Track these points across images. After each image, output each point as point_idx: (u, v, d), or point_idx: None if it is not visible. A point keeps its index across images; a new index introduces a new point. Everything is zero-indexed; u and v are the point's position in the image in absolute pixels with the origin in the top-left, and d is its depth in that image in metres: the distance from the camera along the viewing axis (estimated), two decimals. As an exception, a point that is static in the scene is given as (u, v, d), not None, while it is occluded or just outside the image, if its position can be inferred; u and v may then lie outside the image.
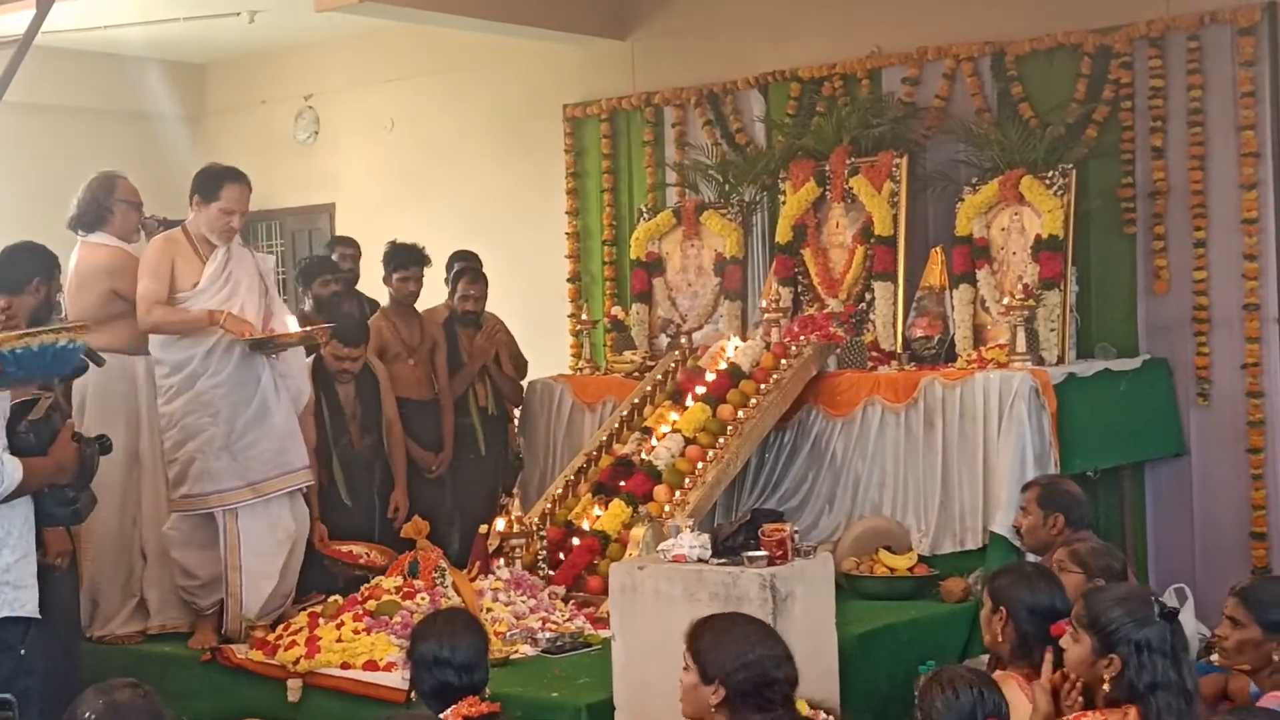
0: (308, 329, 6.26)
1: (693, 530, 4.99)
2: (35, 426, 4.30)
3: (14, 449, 4.16)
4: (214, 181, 5.92)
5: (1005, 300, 6.74)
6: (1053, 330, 6.80)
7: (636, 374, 7.63)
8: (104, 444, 4.73)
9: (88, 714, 3.06)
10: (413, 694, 4.03)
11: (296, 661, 5.47)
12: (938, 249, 7.30)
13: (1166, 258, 7.21)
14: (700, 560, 4.75)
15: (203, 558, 5.96)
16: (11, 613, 4.11)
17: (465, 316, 7.64)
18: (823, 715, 3.70)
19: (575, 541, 6.46)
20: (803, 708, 3.68)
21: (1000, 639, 4.26)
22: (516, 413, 7.96)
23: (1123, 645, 3.56)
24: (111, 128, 10.43)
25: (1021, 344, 6.60)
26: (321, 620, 5.70)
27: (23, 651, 4.15)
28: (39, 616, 4.22)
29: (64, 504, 4.61)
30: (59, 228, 6.11)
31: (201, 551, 5.96)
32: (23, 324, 5.13)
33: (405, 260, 7.50)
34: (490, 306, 7.85)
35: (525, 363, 8.00)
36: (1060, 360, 6.77)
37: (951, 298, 7.15)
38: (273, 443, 6.02)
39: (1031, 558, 5.44)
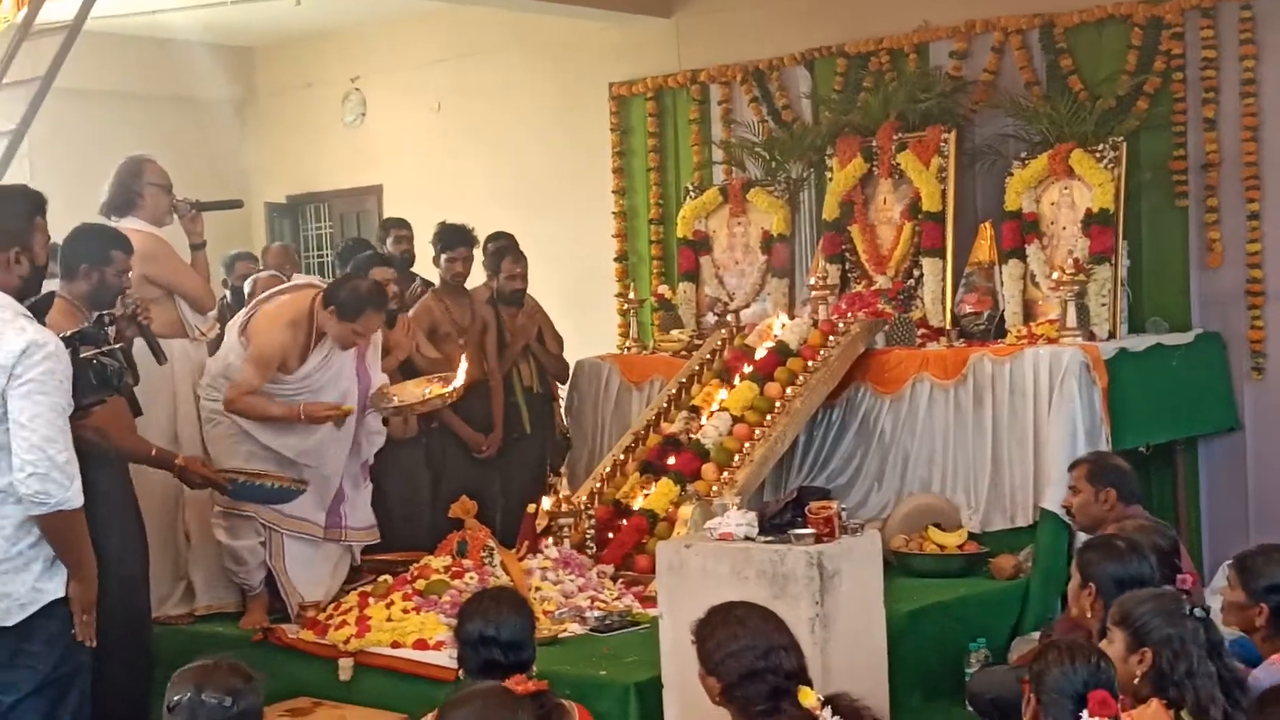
0: (432, 396, 6.26)
1: (740, 508, 4.98)
2: None
3: None
4: (357, 305, 5.92)
5: (1055, 275, 6.67)
6: (1104, 305, 6.74)
7: (684, 353, 7.62)
8: (107, 320, 4.76)
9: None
10: (461, 672, 4.04)
11: (347, 641, 5.50)
12: (987, 224, 7.25)
13: (1219, 230, 7.14)
14: (747, 538, 4.74)
15: (252, 545, 6.00)
16: (64, 594, 4.16)
17: (513, 295, 7.64)
18: (828, 711, 3.64)
19: (623, 520, 6.46)
20: (806, 696, 3.63)
21: (1090, 614, 4.23)
22: (562, 391, 7.97)
23: (1153, 638, 3.56)
24: (161, 112, 10.49)
25: (1072, 319, 6.55)
26: (371, 600, 5.73)
27: (74, 630, 4.19)
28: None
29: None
30: (108, 214, 6.14)
31: (249, 540, 6.00)
32: (83, 309, 5.14)
33: (453, 241, 7.50)
34: (538, 286, 7.86)
35: (560, 340, 8.01)
36: (1111, 335, 6.71)
37: (1001, 273, 7.10)
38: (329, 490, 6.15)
39: (1082, 536, 5.40)
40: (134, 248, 5.49)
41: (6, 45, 7.58)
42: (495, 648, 3.87)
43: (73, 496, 4.06)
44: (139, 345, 5.29)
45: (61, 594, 4.13)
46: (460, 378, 6.30)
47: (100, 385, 4.41)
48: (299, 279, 6.61)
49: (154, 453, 5.26)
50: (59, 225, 5.50)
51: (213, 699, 3.19)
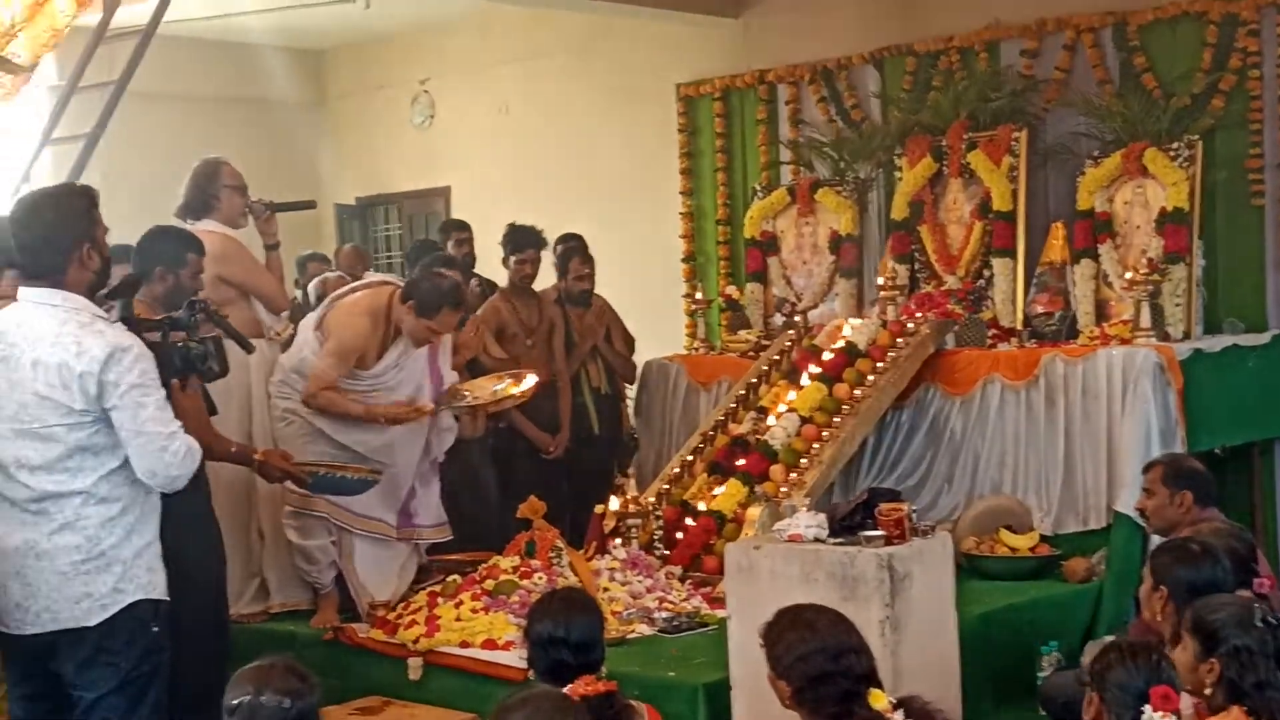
0: (504, 395, 6.30)
1: (809, 510, 4.96)
2: None
3: None
4: (436, 301, 5.95)
5: (1129, 275, 6.60)
6: (1178, 305, 6.66)
7: (751, 353, 7.60)
8: (198, 307, 4.83)
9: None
10: (530, 673, 4.05)
11: (416, 640, 5.52)
12: (1058, 224, 7.18)
13: (1297, 229, 7.04)
14: (817, 540, 4.71)
15: (322, 544, 6.04)
16: (145, 595, 4.21)
17: (581, 296, 7.66)
18: (899, 714, 3.62)
19: (691, 521, 6.45)
20: (877, 699, 3.61)
21: (1160, 617, 4.19)
22: (630, 391, 7.97)
23: (1222, 649, 3.52)
24: (233, 115, 10.60)
25: (1146, 320, 6.47)
26: (441, 599, 5.76)
27: (155, 629, 4.24)
28: (168, 599, 4.32)
29: None
30: (181, 217, 6.20)
31: (320, 540, 6.04)
32: (158, 311, 5.19)
33: (521, 243, 7.54)
34: (605, 287, 7.88)
35: (632, 339, 8.01)
36: (1186, 336, 6.64)
37: (1073, 273, 7.03)
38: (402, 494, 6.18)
39: (1157, 539, 5.34)
40: (208, 249, 5.55)
41: (82, 49, 7.69)
42: (564, 649, 3.87)
43: (196, 463, 4.23)
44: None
45: (142, 595, 4.18)
46: (529, 382, 6.31)
47: (184, 366, 4.50)
48: (372, 276, 6.65)
49: (233, 449, 5.31)
50: (134, 227, 5.59)
51: (271, 701, 3.20)
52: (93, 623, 4.12)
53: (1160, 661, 3.45)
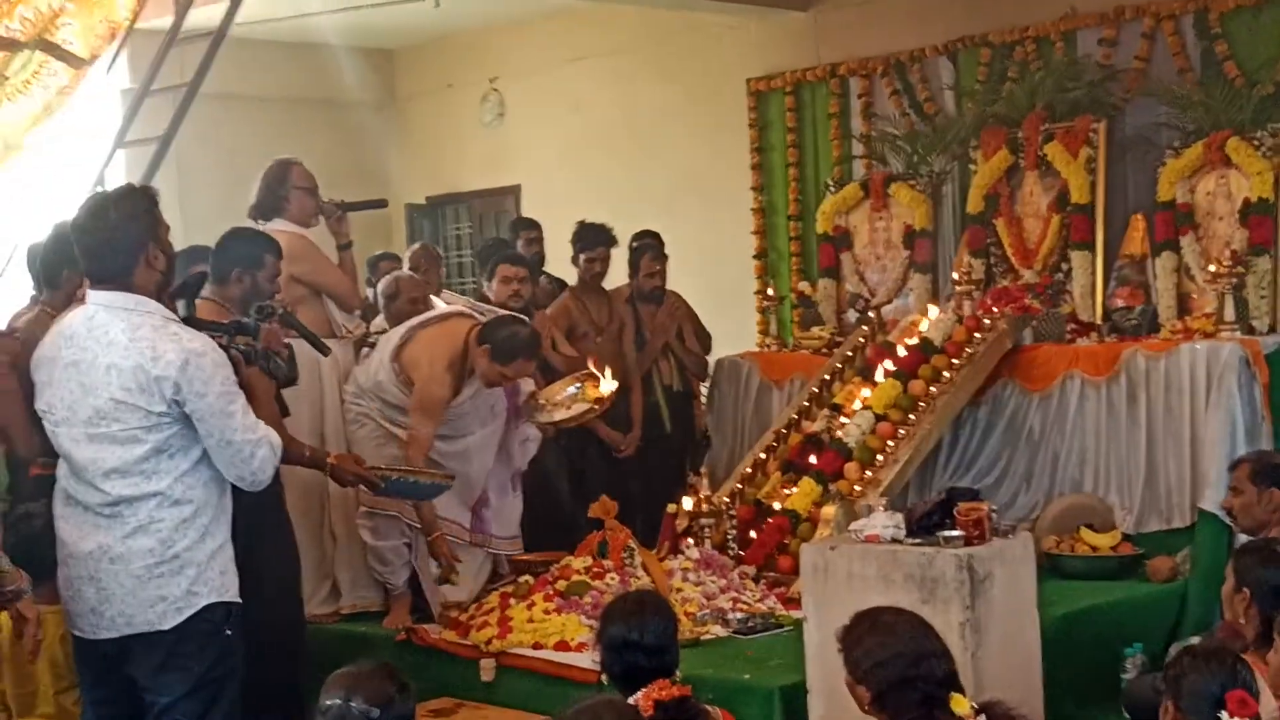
0: (584, 411, 6.26)
1: (885, 509, 4.88)
2: None
3: None
4: (511, 350, 5.88)
5: (1211, 268, 6.48)
6: (1263, 298, 6.55)
7: (825, 350, 7.52)
8: (266, 312, 4.86)
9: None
10: (603, 676, 4.01)
11: (489, 641, 5.50)
12: (1138, 216, 7.08)
13: (1385, 219, 6.86)
14: (894, 540, 4.63)
15: (396, 545, 6.02)
16: (218, 597, 4.20)
17: (652, 293, 7.62)
18: (980, 719, 3.55)
19: (765, 521, 6.38)
20: (959, 704, 3.53)
21: (1243, 619, 4.09)
22: (703, 389, 7.92)
23: None
24: (304, 115, 10.64)
25: (1230, 313, 6.35)
26: (513, 600, 5.72)
27: (229, 632, 4.23)
28: (240, 601, 4.31)
29: None
30: (254, 218, 6.21)
31: (394, 540, 6.02)
32: (234, 312, 5.19)
33: (592, 241, 7.52)
34: (677, 284, 7.83)
35: (709, 336, 7.95)
36: (1272, 329, 6.51)
37: (1154, 266, 6.92)
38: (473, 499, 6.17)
39: (1243, 538, 5.22)
40: (281, 249, 5.55)
41: (154, 52, 7.75)
42: (639, 652, 3.83)
43: (279, 457, 4.30)
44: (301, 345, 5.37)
45: (216, 598, 4.18)
46: (606, 387, 6.27)
47: (244, 361, 4.52)
48: (451, 300, 6.56)
49: (307, 453, 5.30)
50: (207, 229, 5.61)
51: (361, 708, 3.14)
52: (167, 626, 4.11)
53: (1236, 665, 3.38)
